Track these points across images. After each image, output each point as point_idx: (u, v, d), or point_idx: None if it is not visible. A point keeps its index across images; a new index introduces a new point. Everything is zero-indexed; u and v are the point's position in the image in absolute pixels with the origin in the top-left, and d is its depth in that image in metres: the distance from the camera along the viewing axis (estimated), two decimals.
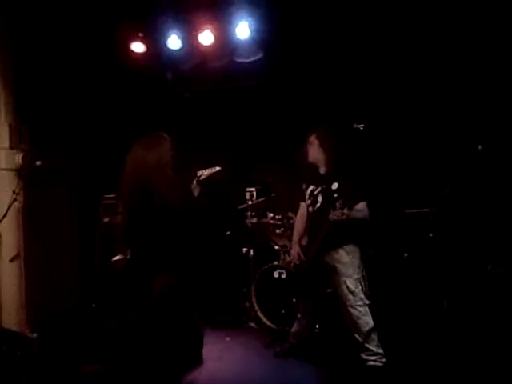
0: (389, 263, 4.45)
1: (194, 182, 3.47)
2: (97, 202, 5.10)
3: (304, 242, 3.88)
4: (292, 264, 4.04)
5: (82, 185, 5.32)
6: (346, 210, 3.28)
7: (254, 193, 5.06)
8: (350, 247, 3.58)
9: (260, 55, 4.91)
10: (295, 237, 3.94)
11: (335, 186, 3.55)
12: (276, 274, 4.52)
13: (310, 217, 3.77)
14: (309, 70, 5.20)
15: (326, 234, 3.50)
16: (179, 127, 5.77)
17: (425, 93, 4.84)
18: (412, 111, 4.93)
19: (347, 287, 3.48)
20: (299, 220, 3.96)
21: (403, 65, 4.80)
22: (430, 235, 4.24)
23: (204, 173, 3.55)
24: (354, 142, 4.57)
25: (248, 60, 4.97)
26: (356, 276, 3.53)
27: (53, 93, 4.84)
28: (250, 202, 5.03)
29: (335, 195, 3.51)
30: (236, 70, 5.17)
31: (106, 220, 5.00)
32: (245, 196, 5.07)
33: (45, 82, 4.71)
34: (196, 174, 3.53)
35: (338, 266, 3.56)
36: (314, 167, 3.78)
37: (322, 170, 3.76)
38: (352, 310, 3.44)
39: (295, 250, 3.87)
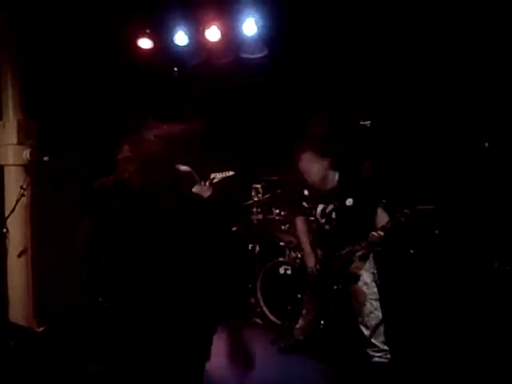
0: (395, 259, 4.40)
1: (207, 183, 3.58)
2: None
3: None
4: (311, 276, 3.81)
5: (90, 180, 5.29)
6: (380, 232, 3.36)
7: (260, 189, 5.06)
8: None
9: (265, 52, 4.87)
10: (307, 247, 3.79)
11: (350, 201, 3.51)
12: (281, 270, 4.54)
13: (325, 235, 3.68)
14: (315, 66, 5.17)
15: (358, 251, 3.51)
16: (186, 123, 5.84)
17: (431, 89, 4.79)
18: (418, 107, 4.87)
19: (363, 280, 3.49)
20: (303, 233, 3.86)
21: (409, 60, 4.74)
22: (436, 232, 4.32)
23: (217, 176, 3.66)
24: (360, 139, 4.61)
25: (254, 56, 4.93)
26: (371, 270, 3.56)
27: (61, 89, 4.82)
28: (255, 199, 5.03)
29: (352, 211, 3.49)
30: (243, 66, 5.14)
31: None
32: (251, 192, 5.07)
33: (53, 78, 4.70)
34: (210, 176, 3.66)
35: (354, 259, 3.57)
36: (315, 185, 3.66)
37: (329, 186, 3.64)
38: (366, 303, 3.44)
39: (312, 261, 3.72)
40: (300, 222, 3.88)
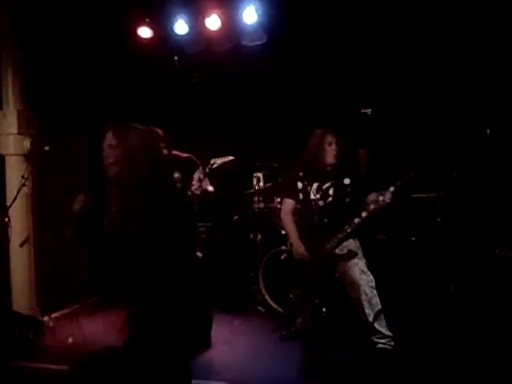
0: (397, 247, 4.40)
1: (207, 169, 3.55)
2: (105, 186, 5.02)
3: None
4: (303, 260, 3.77)
5: (92, 170, 5.27)
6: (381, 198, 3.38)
7: (261, 178, 5.02)
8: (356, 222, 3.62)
9: (264, 39, 4.84)
10: (294, 235, 3.77)
11: (347, 181, 3.63)
12: (283, 258, 4.47)
13: (318, 212, 3.70)
14: (315, 53, 5.17)
15: (358, 224, 3.51)
16: (187, 113, 5.81)
17: (433, 76, 4.80)
18: (420, 95, 4.88)
19: (359, 268, 3.48)
20: (288, 218, 3.84)
21: (411, 46, 4.75)
22: (438, 220, 4.29)
23: (217, 161, 3.62)
24: (361, 126, 4.58)
25: (254, 44, 4.89)
26: (364, 259, 3.56)
27: (61, 78, 4.78)
28: (257, 187, 5.00)
29: (348, 189, 3.60)
30: (243, 54, 5.12)
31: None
32: (252, 181, 5.05)
33: (53, 68, 4.66)
34: (209, 161, 3.61)
35: (347, 250, 3.57)
36: (315, 164, 3.69)
37: (328, 167, 3.68)
38: (367, 290, 3.41)
39: (301, 249, 3.70)
40: (288, 204, 3.87)
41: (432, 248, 4.30)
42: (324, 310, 4.02)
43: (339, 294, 3.82)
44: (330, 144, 3.64)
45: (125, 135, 2.48)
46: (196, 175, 3.69)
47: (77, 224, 2.40)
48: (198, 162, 3.82)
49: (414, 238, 4.40)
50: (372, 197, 3.47)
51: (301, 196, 3.78)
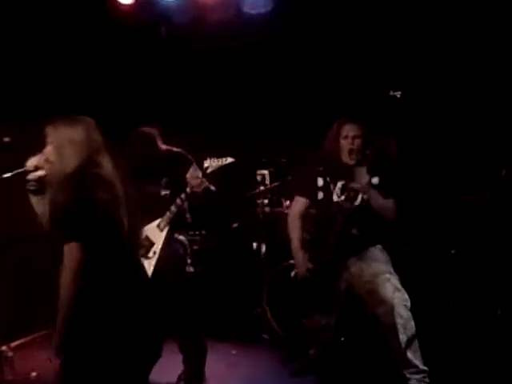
0: (431, 262, 4.40)
1: (200, 174, 3.46)
2: None
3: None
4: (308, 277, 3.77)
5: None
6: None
7: (267, 176, 4.97)
8: (380, 245, 3.64)
9: (270, 6, 4.84)
10: (296, 242, 3.77)
11: (376, 180, 3.54)
12: (293, 275, 4.42)
13: (342, 217, 3.61)
14: (333, 24, 5.11)
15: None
16: (175, 94, 5.87)
17: (474, 52, 4.77)
18: (461, 73, 4.84)
19: (392, 285, 3.42)
20: (295, 222, 3.83)
21: (447, 19, 4.70)
22: (484, 227, 4.30)
23: (212, 164, 3.52)
24: (390, 113, 4.55)
25: (257, 12, 4.93)
26: (396, 274, 3.51)
27: (25, 56, 4.82)
28: (261, 188, 4.94)
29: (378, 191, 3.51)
30: (244, 24, 5.13)
31: None
32: (255, 180, 4.99)
33: (14, 43, 4.70)
34: (203, 164, 3.52)
35: (375, 264, 3.53)
36: (338, 161, 3.65)
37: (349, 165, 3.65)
38: (402, 311, 3.37)
39: (302, 259, 3.70)
40: (299, 204, 3.85)
41: (476, 262, 4.27)
42: (342, 338, 4.13)
43: (361, 317, 3.95)
44: (346, 137, 3.59)
45: (57, 130, 2.54)
46: (192, 172, 3.59)
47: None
48: (191, 158, 3.76)
49: (453, 251, 4.38)
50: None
51: (320, 195, 3.72)
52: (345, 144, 3.57)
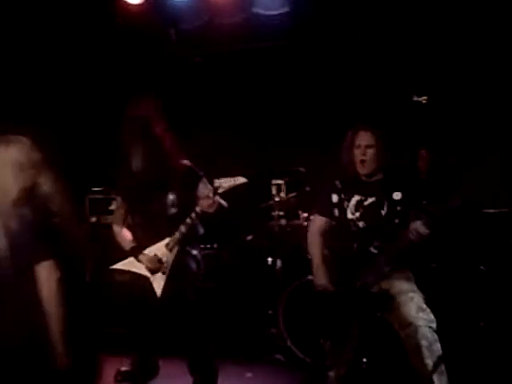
0: (458, 279, 4.27)
1: (211, 192, 3.44)
2: (80, 197, 5.05)
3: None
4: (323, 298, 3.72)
5: (62, 175, 5.18)
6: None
7: (283, 186, 4.89)
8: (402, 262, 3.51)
9: (286, 8, 4.83)
10: (318, 260, 3.64)
11: (397, 195, 3.42)
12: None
13: (357, 236, 3.56)
14: (353, 25, 5.11)
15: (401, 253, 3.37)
16: (187, 100, 5.86)
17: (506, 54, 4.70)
18: (488, 78, 4.78)
19: (416, 304, 3.28)
20: (315, 239, 3.71)
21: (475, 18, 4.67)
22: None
23: (223, 184, 3.48)
24: (414, 119, 4.49)
25: (273, 13, 4.90)
26: (420, 293, 3.38)
27: (27, 60, 4.84)
28: (276, 199, 4.86)
29: (399, 208, 3.41)
30: (258, 26, 5.12)
31: (92, 220, 5.03)
32: (270, 190, 4.91)
33: (18, 46, 4.70)
34: (213, 182, 3.50)
35: (397, 282, 3.40)
36: (354, 173, 3.56)
37: (374, 177, 3.53)
38: (427, 333, 3.21)
39: (322, 280, 3.56)
40: (317, 221, 3.74)
41: (507, 280, 4.14)
42: (365, 360, 3.97)
43: (384, 339, 3.74)
44: (359, 147, 3.46)
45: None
46: (203, 189, 3.61)
47: None
48: (201, 172, 3.74)
49: (482, 267, 4.27)
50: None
51: (336, 213, 3.62)
52: (357, 154, 3.46)
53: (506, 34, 4.65)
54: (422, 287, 3.44)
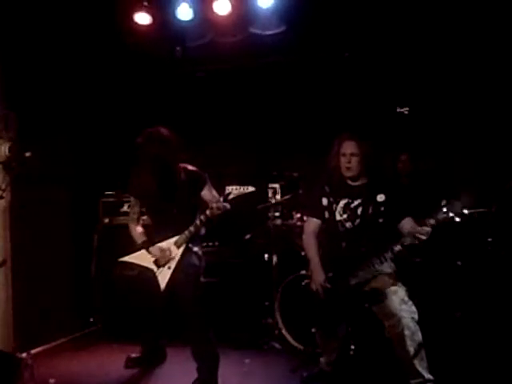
0: (439, 274, 4.37)
1: (221, 199, 3.57)
2: (95, 199, 5.15)
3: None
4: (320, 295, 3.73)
5: (79, 180, 5.33)
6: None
7: (278, 189, 4.99)
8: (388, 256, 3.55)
9: (283, 28, 4.84)
10: (315, 260, 3.73)
11: (381, 197, 3.55)
12: (304, 284, 4.36)
13: (345, 236, 3.68)
14: (341, 44, 5.16)
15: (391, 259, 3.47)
16: (191, 113, 5.89)
17: (481, 67, 4.75)
18: (465, 91, 4.84)
19: (399, 297, 3.42)
20: (311, 239, 3.82)
21: (455, 34, 4.69)
22: (489, 239, 4.29)
23: (233, 191, 3.59)
24: (397, 129, 4.56)
25: (270, 33, 4.91)
26: (403, 286, 3.51)
27: (45, 74, 4.82)
28: (273, 201, 4.95)
29: (382, 208, 3.52)
30: (257, 44, 5.13)
31: (105, 221, 5.09)
32: (267, 193, 5.00)
33: (36, 63, 4.69)
34: (224, 190, 3.60)
35: (382, 276, 3.52)
36: (340, 177, 3.68)
37: (359, 181, 3.66)
38: (410, 323, 3.36)
39: (320, 277, 3.65)
40: (311, 224, 3.85)
41: (482, 275, 4.23)
42: (353, 347, 4.03)
43: (371, 328, 3.83)
44: (344, 155, 3.59)
45: None
46: (209, 192, 3.77)
47: None
48: (205, 176, 3.85)
49: (459, 263, 4.34)
50: (407, 225, 3.42)
51: (326, 215, 3.74)
52: (343, 161, 3.59)
53: (479, 53, 4.67)
54: (405, 280, 3.54)
